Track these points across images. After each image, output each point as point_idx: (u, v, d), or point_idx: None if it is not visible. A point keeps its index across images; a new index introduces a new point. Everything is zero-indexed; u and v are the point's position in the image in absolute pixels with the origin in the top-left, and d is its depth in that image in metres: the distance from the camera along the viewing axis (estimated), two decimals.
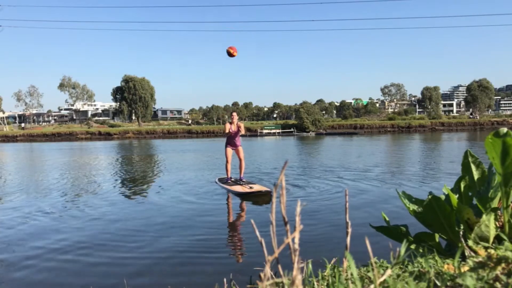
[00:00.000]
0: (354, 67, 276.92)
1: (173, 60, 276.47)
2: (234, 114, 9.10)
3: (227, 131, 8.86)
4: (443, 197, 1.83)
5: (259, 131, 52.26)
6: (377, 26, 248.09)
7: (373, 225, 1.97)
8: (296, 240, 0.75)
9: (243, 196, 7.39)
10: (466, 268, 1.08)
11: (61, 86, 71.97)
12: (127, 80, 72.33)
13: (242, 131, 8.82)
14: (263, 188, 7.75)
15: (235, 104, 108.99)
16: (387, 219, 1.98)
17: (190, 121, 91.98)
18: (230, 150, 8.92)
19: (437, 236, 1.80)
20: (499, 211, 1.68)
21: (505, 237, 1.56)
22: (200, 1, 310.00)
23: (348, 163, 13.16)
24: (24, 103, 73.10)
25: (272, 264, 0.79)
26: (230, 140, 8.93)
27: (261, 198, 7.19)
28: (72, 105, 76.68)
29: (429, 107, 79.81)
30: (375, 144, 26.28)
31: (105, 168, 14.10)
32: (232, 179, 8.89)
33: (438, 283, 1.01)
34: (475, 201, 1.81)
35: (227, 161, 8.89)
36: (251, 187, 7.86)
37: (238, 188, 7.90)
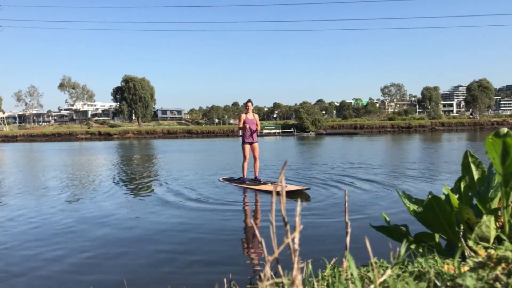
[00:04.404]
0: (354, 67, 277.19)
1: (173, 60, 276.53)
2: (249, 104, 8.39)
3: (241, 124, 8.16)
4: (443, 197, 1.83)
5: (259, 131, 52.28)
6: (377, 26, 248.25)
7: (373, 225, 1.97)
8: (296, 240, 0.75)
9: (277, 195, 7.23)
10: (466, 268, 1.08)
11: (61, 86, 72.08)
12: (127, 80, 72.40)
13: (258, 126, 8.28)
14: (298, 187, 7.46)
15: (235, 104, 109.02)
16: (387, 219, 1.99)
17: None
18: (248, 147, 8.37)
19: (437, 236, 1.80)
20: (499, 211, 1.68)
21: (505, 237, 1.56)
22: (200, 1, 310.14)
23: (348, 163, 13.16)
24: (24, 103, 73.25)
25: (272, 264, 0.79)
26: (248, 135, 8.37)
27: (292, 196, 7.00)
28: (72, 105, 76.78)
29: (429, 107, 79.85)
30: (375, 144, 26.29)
31: (106, 168, 14.10)
32: (248, 180, 8.44)
33: (438, 283, 1.01)
34: (475, 201, 1.81)
35: (244, 159, 8.36)
36: (285, 186, 7.57)
37: (268, 188, 7.55)
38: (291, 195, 7.10)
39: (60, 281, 3.55)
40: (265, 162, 14.33)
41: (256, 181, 8.31)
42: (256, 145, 8.51)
